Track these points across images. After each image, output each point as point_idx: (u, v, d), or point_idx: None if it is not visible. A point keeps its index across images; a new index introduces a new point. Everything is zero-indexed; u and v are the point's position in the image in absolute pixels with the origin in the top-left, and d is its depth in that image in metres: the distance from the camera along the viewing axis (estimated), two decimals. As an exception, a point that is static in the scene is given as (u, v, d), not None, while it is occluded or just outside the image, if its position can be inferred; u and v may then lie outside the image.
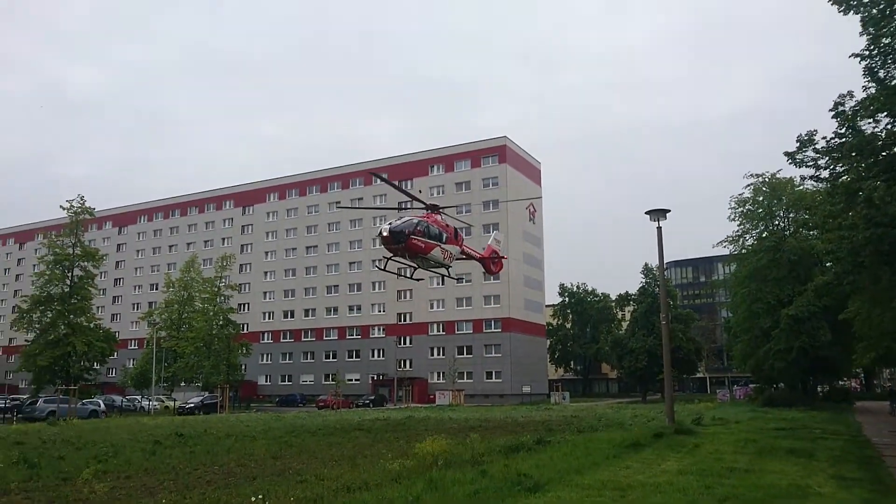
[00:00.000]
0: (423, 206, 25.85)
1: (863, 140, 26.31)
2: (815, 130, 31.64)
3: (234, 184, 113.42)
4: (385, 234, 23.99)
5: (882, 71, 26.76)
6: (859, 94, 29.59)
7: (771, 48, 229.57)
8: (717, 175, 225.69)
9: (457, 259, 29.05)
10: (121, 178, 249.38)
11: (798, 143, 32.51)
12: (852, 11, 28.81)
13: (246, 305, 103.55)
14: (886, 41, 26.24)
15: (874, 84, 27.46)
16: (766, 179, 56.95)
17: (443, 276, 29.30)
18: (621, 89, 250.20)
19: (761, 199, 57.01)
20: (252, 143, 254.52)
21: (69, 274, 70.77)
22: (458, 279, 33.18)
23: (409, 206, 26.70)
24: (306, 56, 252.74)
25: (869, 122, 29.03)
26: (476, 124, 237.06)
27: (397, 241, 23.99)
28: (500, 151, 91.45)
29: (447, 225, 27.23)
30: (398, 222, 24.68)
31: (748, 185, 57.94)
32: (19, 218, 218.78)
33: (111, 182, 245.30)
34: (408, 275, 28.63)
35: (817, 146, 31.78)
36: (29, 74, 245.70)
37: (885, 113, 26.34)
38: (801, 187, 52.19)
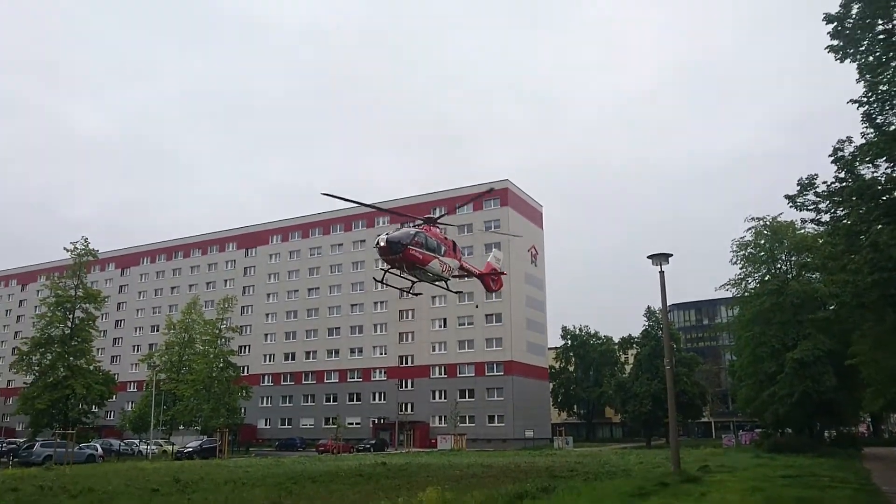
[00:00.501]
0: (419, 220, 25.38)
1: (863, 185, 26.52)
2: (816, 174, 31.95)
3: (238, 226, 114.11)
4: (382, 244, 23.56)
5: (880, 117, 27.13)
6: (858, 139, 29.97)
7: (770, 92, 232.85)
8: (718, 217, 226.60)
9: (455, 275, 28.53)
10: (125, 220, 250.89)
11: (799, 187, 32.77)
12: (849, 59, 29.33)
13: (247, 348, 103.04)
14: (884, 88, 26.64)
15: (872, 130, 27.81)
16: (768, 223, 57.11)
17: (442, 288, 28.57)
18: (622, 132, 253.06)
19: (763, 242, 57.09)
20: (256, 184, 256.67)
21: (70, 316, 70.63)
22: (457, 293, 32.19)
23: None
24: (310, 99, 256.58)
25: (868, 167, 29.32)
26: (478, 166, 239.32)
27: (394, 252, 23.57)
28: (502, 194, 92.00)
29: (445, 238, 26.76)
30: (395, 233, 24.28)
31: (749, 229, 58.12)
32: (23, 259, 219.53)
33: (115, 223, 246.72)
34: (407, 289, 27.67)
35: (818, 190, 32.04)
36: (36, 116, 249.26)
37: (885, 158, 26.63)
38: (803, 231, 52.36)
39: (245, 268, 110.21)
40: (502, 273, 32.72)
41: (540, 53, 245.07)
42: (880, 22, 28.79)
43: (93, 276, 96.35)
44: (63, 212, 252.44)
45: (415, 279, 26.35)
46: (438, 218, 25.97)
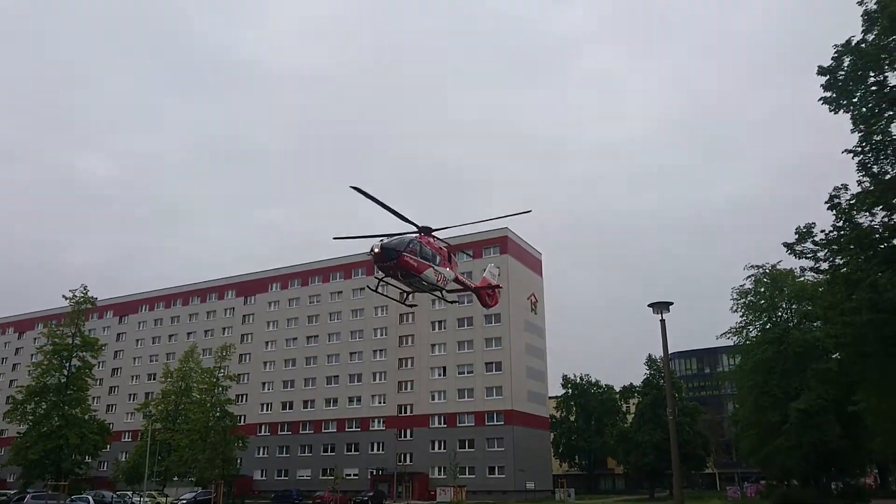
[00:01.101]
0: (415, 228, 24.61)
1: (861, 233, 26.75)
2: (813, 223, 32.22)
3: (237, 273, 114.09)
4: (377, 250, 22.93)
5: (875, 166, 27.55)
6: (854, 187, 30.33)
7: (767, 140, 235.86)
8: (718, 264, 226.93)
9: (450, 289, 28.07)
10: (125, 268, 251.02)
11: (797, 235, 33.00)
12: (842, 110, 29.91)
13: (244, 397, 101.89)
14: (877, 138, 27.11)
15: (868, 178, 28.20)
16: (767, 271, 57.29)
17: (437, 297, 27.81)
18: (620, 180, 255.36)
19: (763, 290, 57.18)
20: (256, 231, 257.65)
21: (67, 364, 70.07)
22: (452, 302, 31.44)
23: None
24: (309, 144, 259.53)
25: (866, 215, 29.59)
26: (477, 213, 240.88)
27: (388, 259, 23.05)
28: (502, 242, 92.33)
29: (441, 248, 26.42)
30: (390, 240, 23.61)
31: (749, 277, 58.27)
32: (21, 307, 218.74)
33: (115, 271, 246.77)
34: (402, 300, 27.13)
35: (816, 238, 32.25)
36: (38, 163, 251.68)
37: (881, 206, 26.92)
38: (802, 279, 52.47)
39: (244, 315, 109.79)
40: (498, 287, 32.08)
41: (538, 103, 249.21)
42: (872, 74, 29.47)
43: (91, 324, 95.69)
44: (63, 259, 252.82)
45: (410, 289, 25.87)
46: (436, 230, 25.54)
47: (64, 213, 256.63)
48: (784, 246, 33.06)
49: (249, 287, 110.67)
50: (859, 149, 27.60)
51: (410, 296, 26.32)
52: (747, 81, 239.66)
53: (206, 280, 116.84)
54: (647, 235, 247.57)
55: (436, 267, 25.05)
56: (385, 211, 22.42)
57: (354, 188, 21.63)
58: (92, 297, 73.09)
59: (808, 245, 32.59)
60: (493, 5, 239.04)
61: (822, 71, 30.32)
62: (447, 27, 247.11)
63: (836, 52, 29.72)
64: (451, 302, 31.28)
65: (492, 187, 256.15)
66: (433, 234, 25.27)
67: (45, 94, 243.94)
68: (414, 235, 24.16)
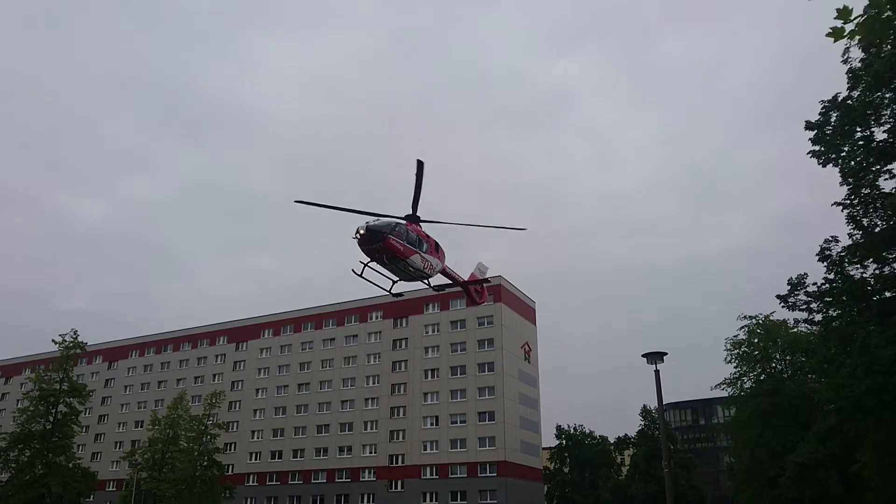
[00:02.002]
0: (399, 217, 23.89)
1: (853, 285, 26.93)
2: (805, 274, 32.50)
3: (229, 319, 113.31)
4: (362, 231, 22.30)
5: (865, 219, 27.90)
6: (844, 239, 30.65)
7: (758, 191, 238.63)
8: (711, 313, 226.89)
9: (436, 284, 27.28)
10: (116, 312, 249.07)
11: (789, 287, 33.22)
12: (831, 164, 30.42)
13: (233, 445, 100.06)
14: (866, 191, 27.53)
15: (858, 231, 28.53)
16: (760, 321, 57.30)
17: (425, 284, 25.75)
18: (614, 229, 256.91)
19: (756, 341, 57.09)
20: (249, 277, 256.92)
21: (53, 410, 68.88)
22: (437, 290, 29.79)
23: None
24: (304, 190, 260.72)
25: (857, 268, 29.84)
26: (472, 258, 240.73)
27: (374, 241, 22.41)
28: (496, 291, 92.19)
29: (428, 236, 25.08)
30: (376, 222, 22.86)
31: (742, 327, 58.23)
32: (10, 351, 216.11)
33: (106, 316, 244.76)
34: (387, 289, 25.94)
35: (808, 290, 32.46)
36: (30, 207, 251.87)
37: (872, 259, 27.17)
38: (796, 330, 52.47)
39: (235, 362, 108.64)
40: (486, 281, 30.53)
41: (533, 152, 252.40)
42: (858, 129, 30.10)
43: (79, 370, 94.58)
44: (54, 303, 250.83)
45: (395, 277, 24.53)
46: (422, 221, 24.85)
47: (55, 258, 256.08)
48: (777, 298, 33.27)
49: (241, 333, 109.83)
50: (849, 202, 28.03)
51: (393, 286, 25.16)
52: (739, 133, 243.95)
53: (198, 325, 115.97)
54: (641, 284, 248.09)
55: (422, 254, 24.31)
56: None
57: (299, 202, 21.53)
58: (82, 342, 72.33)
59: (801, 296, 32.80)
60: (490, 57, 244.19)
61: (809, 126, 30.98)
62: (444, 78, 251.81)
63: (822, 108, 30.42)
64: (437, 289, 29.42)
65: (487, 234, 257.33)
66: (420, 223, 24.74)
67: (39, 137, 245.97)
68: (401, 220, 23.72)
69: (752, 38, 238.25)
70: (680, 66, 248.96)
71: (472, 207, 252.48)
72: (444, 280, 27.84)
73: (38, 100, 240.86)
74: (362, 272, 24.16)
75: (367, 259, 23.32)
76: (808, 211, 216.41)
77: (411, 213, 23.87)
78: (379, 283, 24.52)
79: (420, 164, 21.77)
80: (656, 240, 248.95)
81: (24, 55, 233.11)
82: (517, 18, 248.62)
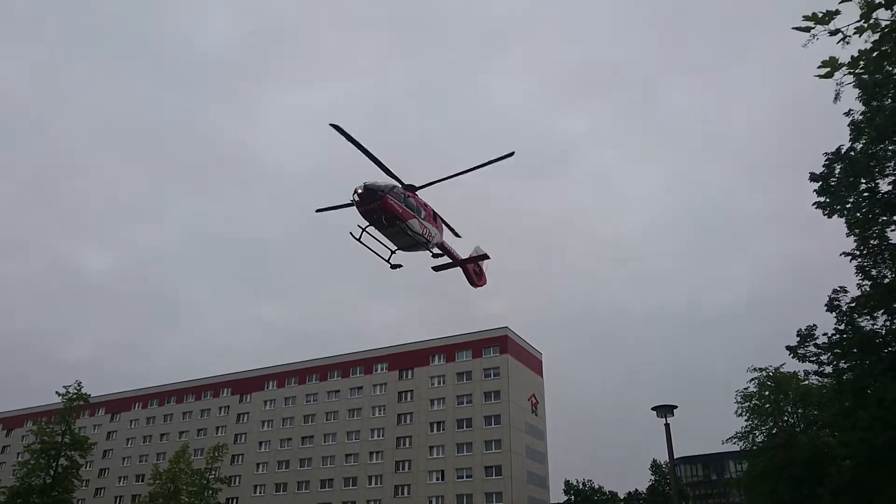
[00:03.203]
0: (399, 183, 23.10)
1: (863, 337, 26.69)
2: (815, 325, 32.25)
3: (234, 370, 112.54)
4: (360, 190, 21.93)
5: (874, 270, 27.85)
6: (853, 290, 30.53)
7: (766, 239, 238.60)
8: (720, 365, 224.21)
9: (436, 249, 26.22)
10: (119, 362, 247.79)
11: (798, 338, 32.93)
12: (836, 215, 30.52)
13: (234, 500, 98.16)
14: (874, 242, 27.55)
15: (867, 282, 28.44)
16: (771, 374, 56.55)
17: (423, 248, 25.29)
18: (620, 275, 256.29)
19: (767, 393, 56.21)
20: (254, 327, 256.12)
21: (54, 464, 67.88)
22: (436, 269, 28.64)
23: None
24: (308, 239, 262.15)
25: (867, 319, 29.62)
26: (478, 308, 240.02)
27: (372, 200, 21.97)
28: (501, 342, 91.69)
29: (426, 205, 24.77)
30: (374, 182, 22.39)
31: (753, 379, 57.41)
32: (12, 402, 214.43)
33: (109, 366, 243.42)
34: (385, 258, 24.98)
35: (818, 342, 32.17)
36: (35, 254, 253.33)
37: (882, 311, 27.00)
38: (807, 382, 51.77)
39: (238, 414, 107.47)
40: (485, 257, 29.09)
41: (539, 199, 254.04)
42: (863, 181, 30.30)
43: (81, 422, 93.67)
44: (58, 353, 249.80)
45: (394, 244, 23.99)
46: (419, 187, 23.84)
47: (61, 306, 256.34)
48: (787, 349, 32.97)
49: (245, 385, 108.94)
50: (857, 252, 28.02)
51: (391, 256, 24.65)
52: (742, 180, 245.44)
53: (201, 377, 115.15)
54: (649, 333, 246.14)
55: (421, 220, 24.07)
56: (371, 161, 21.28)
57: (333, 126, 20.71)
58: (86, 394, 71.67)
59: (811, 348, 32.50)
60: (496, 106, 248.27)
61: (814, 177, 31.22)
62: (449, 126, 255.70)
63: (826, 160, 30.71)
64: (436, 269, 28.06)
65: (494, 279, 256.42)
66: (417, 191, 24.31)
67: (49, 183, 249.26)
68: (399, 185, 23.15)
69: (752, 87, 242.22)
70: (682, 115, 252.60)
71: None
72: (443, 261, 27.34)
73: (49, 145, 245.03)
74: (360, 236, 23.67)
75: (365, 223, 23.01)
76: (814, 259, 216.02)
77: (405, 183, 23.54)
78: (378, 251, 24.06)
79: (337, 128, 20.88)
80: (663, 286, 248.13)
81: (38, 101, 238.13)
82: (522, 69, 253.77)
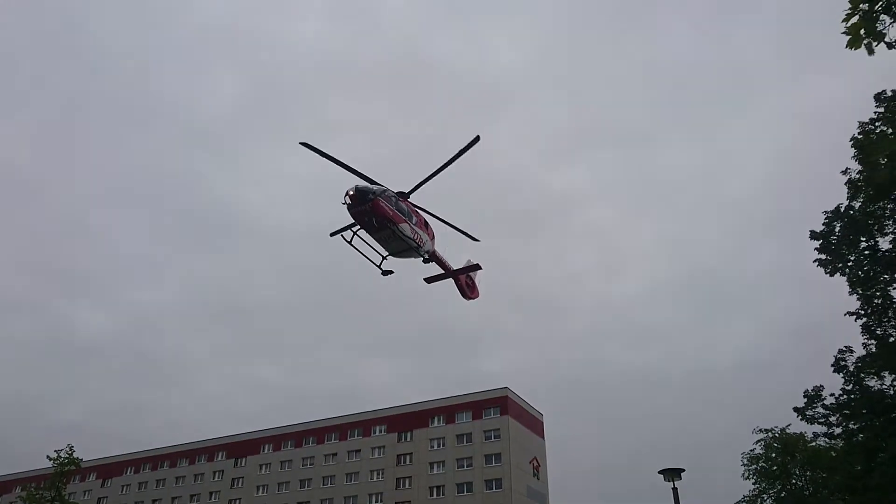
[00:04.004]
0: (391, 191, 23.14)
1: (872, 398, 26.24)
2: (821, 386, 31.76)
3: (228, 433, 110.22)
4: (351, 192, 21.80)
5: (879, 329, 27.58)
6: (858, 349, 30.18)
7: (763, 297, 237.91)
8: (724, 425, 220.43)
9: (428, 272, 25.97)
10: (112, 425, 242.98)
11: (805, 399, 32.40)
12: (838, 273, 30.43)
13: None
14: (878, 301, 27.37)
15: (873, 341, 28.12)
16: (777, 434, 55.60)
17: (415, 256, 24.98)
18: (620, 336, 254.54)
19: (774, 455, 55.15)
20: (249, 389, 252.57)
21: (42, 532, 65.72)
22: (428, 281, 28.08)
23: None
24: (306, 300, 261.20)
25: (874, 378, 29.21)
26: (478, 367, 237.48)
27: (363, 201, 21.78)
28: (502, 403, 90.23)
29: (417, 212, 24.63)
30: (365, 184, 22.35)
31: (759, 441, 56.47)
32: (1, 468, 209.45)
33: (101, 429, 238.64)
34: (377, 264, 24.09)
35: (825, 402, 31.64)
36: (31, 315, 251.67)
37: (889, 371, 26.63)
38: (815, 444, 50.85)
39: (233, 479, 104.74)
40: (477, 267, 28.69)
41: (535, 258, 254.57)
42: (863, 238, 30.34)
43: (72, 487, 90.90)
44: (49, 415, 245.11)
45: (385, 248, 23.80)
46: (409, 191, 23.87)
47: (51, 367, 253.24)
48: (794, 411, 32.41)
49: (240, 448, 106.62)
50: (861, 311, 27.82)
51: (383, 262, 24.47)
52: (741, 239, 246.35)
53: (195, 440, 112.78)
54: (652, 393, 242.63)
55: (412, 225, 23.92)
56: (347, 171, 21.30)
57: (303, 144, 20.80)
58: (77, 459, 69.88)
59: (819, 409, 31.95)
60: (493, 166, 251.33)
61: (814, 235, 31.29)
62: (449, 185, 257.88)
63: (826, 218, 30.83)
64: (428, 280, 27.83)
65: (495, 343, 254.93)
66: (409, 198, 24.04)
67: (44, 242, 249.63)
68: (390, 190, 23.08)
69: (750, 143, 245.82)
70: (679, 173, 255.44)
71: (473, 311, 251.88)
72: (436, 270, 27.07)
73: (45, 204, 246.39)
74: (351, 240, 23.72)
75: (356, 227, 23.04)
76: (816, 317, 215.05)
77: (394, 191, 23.63)
78: (369, 255, 23.96)
79: (307, 146, 21.19)
80: (664, 347, 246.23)
81: (37, 159, 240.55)
82: (518, 126, 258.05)
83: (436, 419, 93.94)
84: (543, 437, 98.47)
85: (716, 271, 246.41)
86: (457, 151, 22.90)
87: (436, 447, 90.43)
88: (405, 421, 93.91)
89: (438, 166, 23.53)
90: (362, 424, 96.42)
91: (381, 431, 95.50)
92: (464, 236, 26.15)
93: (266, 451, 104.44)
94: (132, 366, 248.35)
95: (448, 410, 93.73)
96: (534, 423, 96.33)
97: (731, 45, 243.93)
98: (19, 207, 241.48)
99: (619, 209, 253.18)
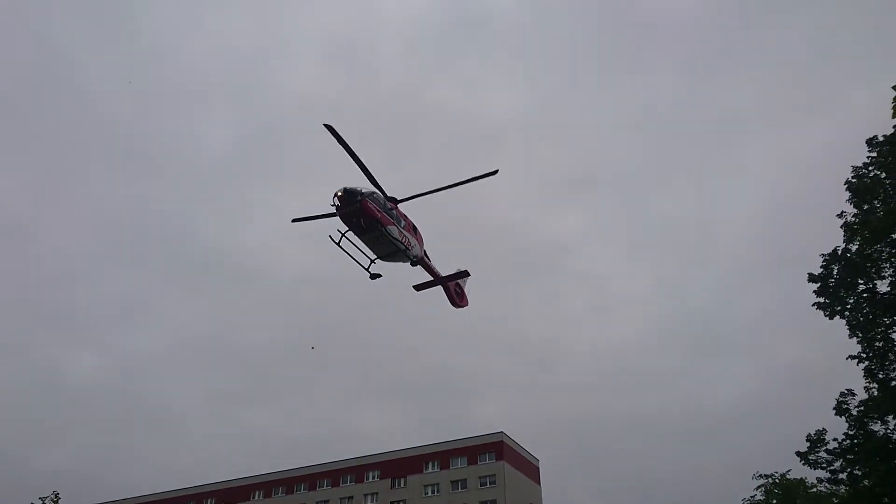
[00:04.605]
0: (382, 193, 23.21)
1: (878, 443, 25.97)
2: (825, 429, 31.44)
3: (218, 479, 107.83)
4: (340, 193, 22.03)
5: (881, 373, 27.46)
6: (860, 392, 29.99)
7: (759, 340, 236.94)
8: (723, 471, 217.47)
9: (417, 279, 26.14)
10: (99, 471, 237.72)
11: (808, 443, 32.01)
12: (837, 316, 30.42)
13: None
14: (879, 344, 27.31)
15: (875, 385, 27.97)
16: (777, 480, 54.87)
17: (403, 260, 25.12)
18: (617, 381, 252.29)
19: (775, 502, 54.33)
20: (241, 432, 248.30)
21: (23, 584, 63.68)
22: (417, 289, 27.44)
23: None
24: (300, 344, 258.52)
25: (877, 423, 28.96)
26: (472, 412, 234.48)
27: (351, 202, 22.04)
28: (497, 448, 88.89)
29: (406, 217, 24.76)
30: (354, 185, 22.55)
31: (759, 487, 55.68)
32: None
33: (88, 475, 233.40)
34: (365, 267, 24.25)
35: (828, 447, 31.28)
36: (18, 359, 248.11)
37: (893, 415, 26.42)
38: (816, 490, 50.18)
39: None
40: (465, 274, 28.63)
41: (530, 303, 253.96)
42: (861, 281, 30.42)
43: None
44: (35, 461, 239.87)
45: (374, 252, 23.97)
46: (401, 200, 24.26)
47: (37, 412, 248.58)
48: (797, 455, 31.98)
49: (230, 495, 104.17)
50: (863, 355, 27.73)
51: (371, 266, 24.63)
52: (738, 282, 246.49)
53: (184, 487, 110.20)
54: (649, 438, 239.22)
55: (400, 228, 24.09)
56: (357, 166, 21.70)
57: (327, 126, 20.94)
58: (62, 507, 68.24)
59: (822, 454, 31.56)
60: (487, 211, 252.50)
61: (812, 278, 31.32)
62: (441, 231, 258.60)
63: (823, 261, 30.94)
64: (417, 288, 27.87)
65: (490, 387, 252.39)
66: (398, 205, 24.34)
67: (34, 286, 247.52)
68: (379, 192, 23.27)
69: (742, 188, 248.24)
70: (673, 217, 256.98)
71: (469, 360, 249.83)
72: (425, 278, 27.27)
73: (35, 249, 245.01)
74: (340, 241, 23.75)
75: (345, 228, 23.16)
76: (813, 360, 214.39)
77: (388, 195, 23.84)
78: (357, 258, 24.06)
79: (330, 129, 21.19)
80: (660, 391, 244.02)
81: (28, 203, 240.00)
82: (512, 171, 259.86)
83: (430, 464, 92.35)
84: (540, 484, 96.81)
85: (710, 314, 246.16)
86: (469, 178, 23.47)
87: (430, 493, 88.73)
88: (399, 466, 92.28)
89: (443, 186, 24.07)
90: (355, 470, 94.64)
91: (374, 477, 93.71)
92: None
93: (256, 497, 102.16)
94: (120, 410, 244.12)
95: (442, 456, 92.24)
96: (530, 469, 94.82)
97: (720, 90, 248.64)
98: (8, 250, 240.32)
99: (613, 253, 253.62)
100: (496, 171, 23.11)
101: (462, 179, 23.43)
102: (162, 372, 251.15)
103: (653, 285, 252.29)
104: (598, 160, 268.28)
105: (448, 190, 23.84)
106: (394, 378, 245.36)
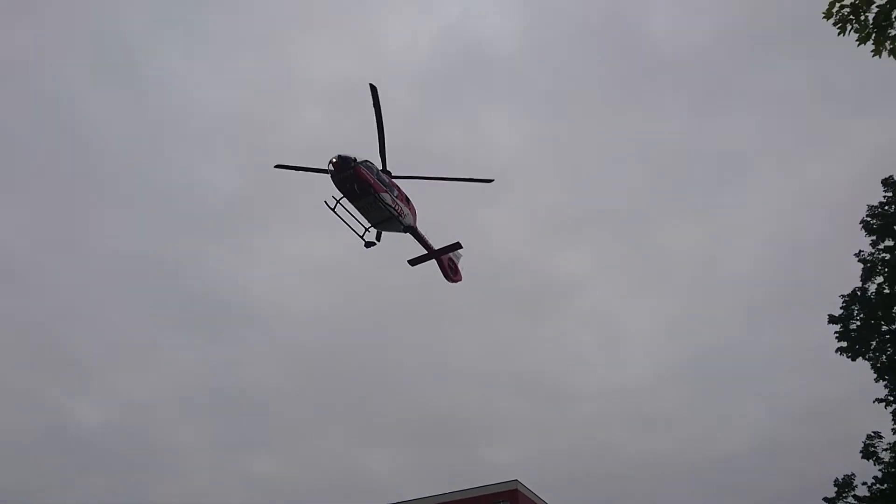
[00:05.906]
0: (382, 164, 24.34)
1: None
2: (853, 474, 30.80)
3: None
4: (334, 159, 22.64)
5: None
6: (888, 435, 29.42)
7: (772, 380, 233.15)
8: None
9: (411, 253, 26.98)
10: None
11: (836, 488, 31.33)
12: (860, 357, 30.03)
13: None
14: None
15: (905, 430, 27.43)
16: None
17: (398, 229, 25.67)
18: (628, 422, 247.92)
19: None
20: (244, 480, 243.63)
21: None
22: (412, 263, 28.55)
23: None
24: (305, 388, 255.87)
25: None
26: (483, 457, 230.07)
27: (345, 168, 22.62)
28: (512, 497, 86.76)
29: (399, 187, 25.26)
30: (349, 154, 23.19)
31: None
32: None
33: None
34: (359, 234, 24.85)
35: (856, 493, 30.59)
36: (18, 405, 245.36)
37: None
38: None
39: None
40: (458, 246, 28.51)
41: (537, 342, 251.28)
42: (883, 323, 30.07)
43: None
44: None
45: (367, 219, 24.41)
46: (395, 177, 24.96)
47: (37, 459, 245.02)
48: (825, 501, 31.23)
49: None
50: (891, 398, 27.27)
51: (364, 233, 25.04)
52: (750, 319, 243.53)
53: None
54: (665, 481, 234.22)
55: (393, 196, 24.62)
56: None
57: (372, 85, 22.14)
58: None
59: (850, 500, 30.86)
60: (491, 248, 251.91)
61: (833, 320, 30.97)
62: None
63: (843, 302, 30.65)
64: (412, 262, 28.42)
65: (500, 429, 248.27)
66: (392, 177, 24.96)
67: (29, 333, 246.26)
68: (372, 162, 23.99)
69: (751, 223, 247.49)
70: (680, 253, 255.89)
71: (475, 400, 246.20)
72: (420, 252, 27.61)
73: (36, 293, 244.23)
74: (335, 207, 24.22)
75: (339, 195, 23.65)
76: (831, 399, 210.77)
77: (382, 165, 24.47)
78: (352, 225, 24.54)
79: (374, 90, 22.40)
80: (674, 431, 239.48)
81: (31, 245, 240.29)
82: (516, 208, 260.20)
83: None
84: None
85: (722, 352, 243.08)
86: (466, 178, 25.24)
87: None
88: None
89: (440, 176, 25.75)
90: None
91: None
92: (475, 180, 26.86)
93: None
94: (122, 456, 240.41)
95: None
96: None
97: (726, 124, 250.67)
98: (10, 293, 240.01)
99: (620, 290, 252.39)
100: (492, 180, 24.74)
101: (461, 178, 25.16)
102: (161, 418, 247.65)
103: (662, 322, 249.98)
104: (602, 195, 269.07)
105: (450, 192, 25.66)
106: (401, 422, 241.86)
